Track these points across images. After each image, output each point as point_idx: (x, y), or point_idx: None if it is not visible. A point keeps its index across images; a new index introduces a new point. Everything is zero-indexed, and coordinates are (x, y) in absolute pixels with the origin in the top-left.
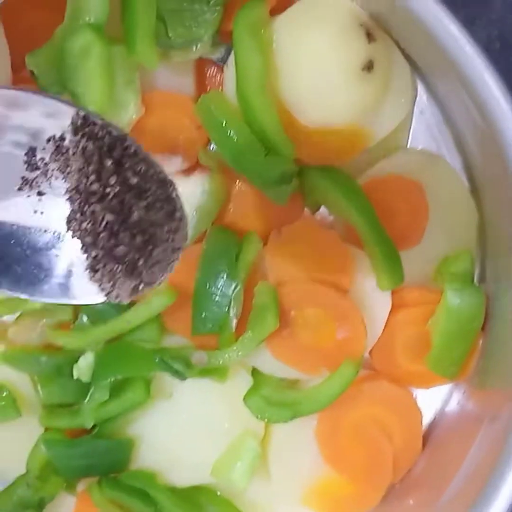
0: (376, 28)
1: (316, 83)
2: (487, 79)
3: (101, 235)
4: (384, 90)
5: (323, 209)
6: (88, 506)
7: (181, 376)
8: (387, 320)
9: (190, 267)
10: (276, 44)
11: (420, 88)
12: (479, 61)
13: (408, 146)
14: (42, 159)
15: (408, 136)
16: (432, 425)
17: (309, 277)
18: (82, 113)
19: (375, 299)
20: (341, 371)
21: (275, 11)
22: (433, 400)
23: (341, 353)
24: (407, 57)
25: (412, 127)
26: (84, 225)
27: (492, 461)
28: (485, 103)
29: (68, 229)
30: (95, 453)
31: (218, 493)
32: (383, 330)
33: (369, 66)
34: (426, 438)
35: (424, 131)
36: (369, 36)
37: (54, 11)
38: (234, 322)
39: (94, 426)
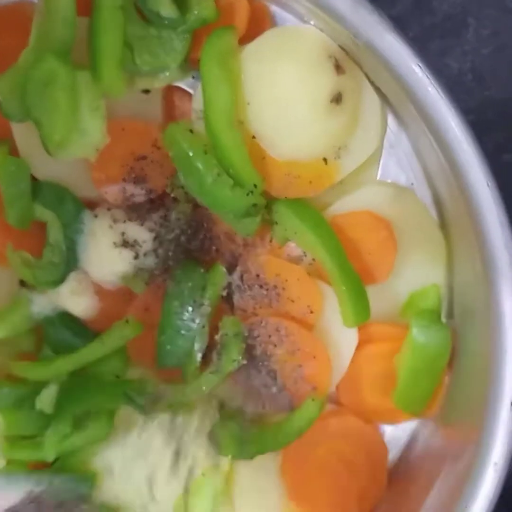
0: (346, 59)
1: (284, 116)
2: (450, 120)
3: None
4: (353, 123)
5: (291, 243)
6: None
7: (144, 410)
8: (354, 356)
9: (156, 298)
10: (244, 75)
11: (391, 121)
12: (442, 103)
13: (378, 179)
14: None
15: (378, 170)
16: (398, 462)
17: (275, 312)
18: None
19: (341, 335)
20: (306, 408)
21: (244, 40)
22: (400, 436)
23: (306, 389)
24: (377, 90)
25: (382, 160)
26: None
27: (452, 501)
28: (448, 143)
29: None
30: (58, 488)
31: None
32: (350, 365)
33: (337, 99)
34: (391, 475)
35: (394, 165)
36: (338, 68)
37: (19, 35)
38: (199, 355)
39: (56, 459)
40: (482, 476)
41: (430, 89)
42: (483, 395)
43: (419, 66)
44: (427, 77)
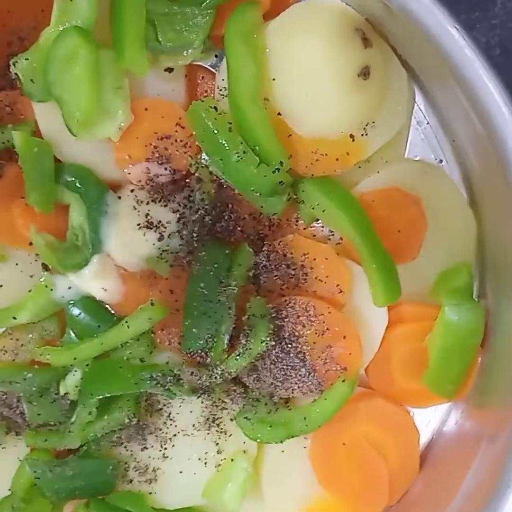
0: (372, 32)
1: (310, 91)
2: (488, 84)
3: None
4: (380, 98)
5: (318, 222)
6: None
7: (170, 393)
8: (384, 337)
9: (181, 281)
10: (269, 50)
11: (418, 98)
12: (480, 66)
13: (406, 156)
14: None
15: (406, 147)
16: (430, 445)
17: (302, 292)
18: None
19: (371, 315)
20: (336, 389)
21: (269, 15)
22: (431, 419)
23: (336, 370)
24: (404, 64)
25: (409, 137)
26: None
27: (491, 482)
28: (486, 109)
29: None
30: (82, 474)
31: None
32: (380, 346)
33: (365, 73)
34: (423, 458)
35: (422, 142)
36: (365, 41)
37: (40, 14)
38: (226, 338)
39: (81, 446)
40: None
41: (467, 51)
42: None
43: (456, 27)
44: (464, 39)
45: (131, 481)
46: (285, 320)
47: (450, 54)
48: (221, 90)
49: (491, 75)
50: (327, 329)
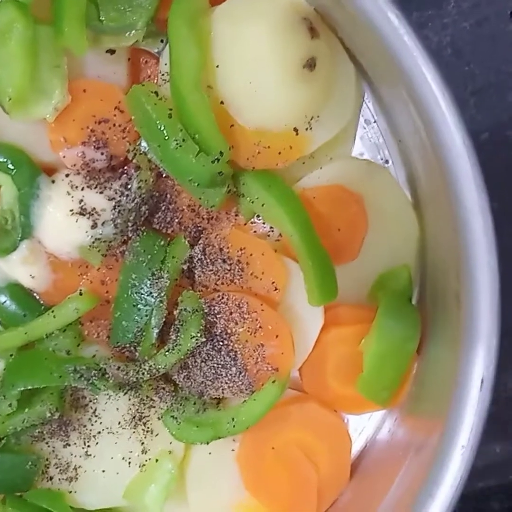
0: (320, 23)
1: (254, 80)
2: (432, 85)
3: None
4: (326, 92)
5: (259, 218)
6: None
7: (95, 388)
8: (319, 339)
9: (113, 272)
10: (214, 36)
11: (367, 95)
12: (426, 66)
13: (352, 155)
14: None
15: (352, 145)
16: (362, 453)
17: (237, 288)
18: None
19: (306, 315)
20: (266, 390)
21: (216, 0)
22: (365, 426)
23: (267, 370)
24: (353, 59)
25: (357, 135)
26: None
27: (413, 495)
28: (428, 112)
29: None
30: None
31: None
32: (314, 349)
33: (310, 64)
34: (354, 467)
35: (369, 141)
36: (312, 32)
37: None
38: (155, 332)
39: None
40: (449, 461)
41: (406, 38)
42: (452, 380)
43: (395, 14)
44: (404, 27)
45: (51, 478)
46: (218, 316)
47: (396, 54)
48: (163, 75)
49: (438, 80)
50: (260, 327)
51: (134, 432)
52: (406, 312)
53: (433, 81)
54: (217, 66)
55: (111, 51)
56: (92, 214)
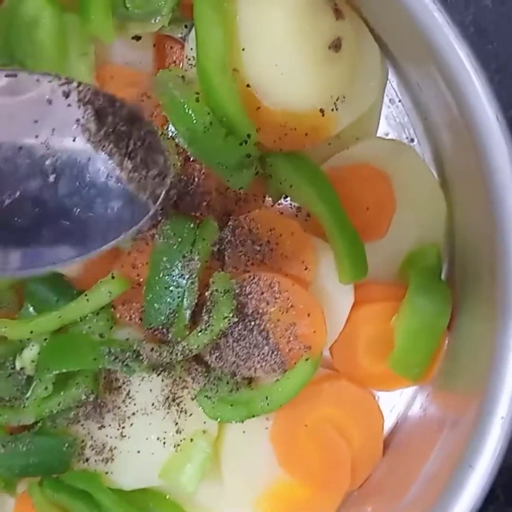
0: (344, 4)
1: (280, 62)
2: (465, 62)
3: None
4: (351, 72)
5: (286, 199)
6: (28, 508)
7: (129, 370)
8: (349, 316)
9: (144, 255)
10: (240, 19)
11: (391, 75)
12: (458, 43)
13: (377, 134)
14: None
15: (377, 124)
16: (394, 430)
17: (268, 268)
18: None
19: (337, 293)
20: (299, 369)
21: None
22: (396, 403)
23: (300, 349)
24: (377, 39)
25: (382, 115)
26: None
27: (451, 467)
28: (461, 88)
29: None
30: (36, 452)
31: (167, 496)
32: (345, 327)
33: (336, 45)
34: (387, 443)
35: (394, 120)
36: (337, 12)
37: None
38: (187, 314)
39: (36, 423)
40: (488, 431)
41: (437, 15)
42: (487, 353)
43: (434, 3)
44: (434, 3)
45: (87, 460)
46: (249, 296)
47: (426, 31)
48: (189, 59)
49: (469, 55)
50: (291, 306)
51: (168, 412)
52: (436, 289)
53: (465, 58)
54: (243, 49)
55: (137, 38)
56: None
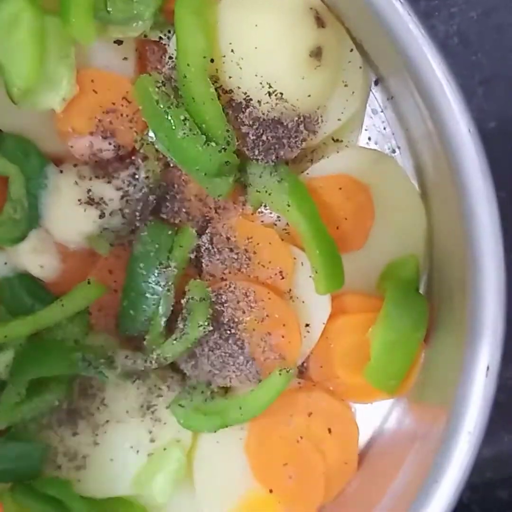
0: (327, 13)
1: (260, 70)
2: (438, 74)
3: None
4: (333, 81)
5: (266, 208)
6: None
7: (103, 376)
8: (326, 327)
9: (121, 261)
10: (221, 25)
11: (375, 88)
12: (431, 54)
13: (359, 144)
14: None
15: (359, 134)
16: (369, 442)
17: (244, 277)
18: None
19: (313, 302)
20: (273, 379)
21: None
22: (373, 416)
23: (274, 359)
24: (360, 48)
25: (364, 125)
26: None
27: (420, 480)
28: (434, 100)
29: None
30: (8, 457)
31: (139, 506)
32: (321, 337)
33: (317, 53)
34: (362, 456)
35: (376, 130)
36: (319, 21)
37: None
38: (163, 321)
39: (8, 428)
40: (455, 446)
41: (411, 27)
42: (458, 368)
43: (400, 2)
44: (409, 14)
45: (59, 467)
46: (225, 305)
47: (403, 44)
48: (170, 65)
49: (445, 70)
50: (267, 315)
51: (142, 421)
52: (413, 301)
53: (439, 69)
54: (224, 56)
55: (119, 42)
56: (100, 204)
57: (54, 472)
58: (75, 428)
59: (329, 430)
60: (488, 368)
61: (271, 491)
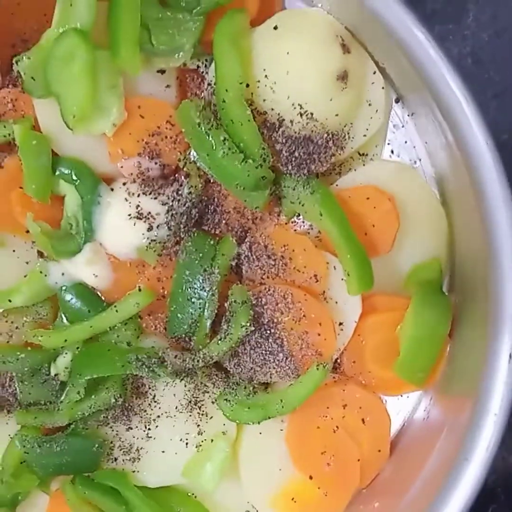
0: (351, 40)
1: (292, 93)
2: (457, 94)
3: None
4: (358, 101)
5: (299, 217)
6: (61, 505)
7: (155, 375)
8: (358, 326)
9: (168, 269)
10: (255, 54)
11: (396, 105)
12: (450, 76)
13: (383, 157)
14: None
15: (383, 148)
16: (401, 432)
17: (282, 281)
18: None
19: (346, 303)
20: (311, 373)
21: (255, 22)
22: (403, 407)
23: (311, 355)
24: (382, 70)
25: (387, 139)
26: None
27: (450, 462)
28: (454, 117)
29: None
30: (69, 451)
31: (189, 493)
32: (354, 335)
33: (343, 77)
34: (394, 444)
35: (398, 144)
36: (344, 47)
37: (42, 17)
38: (208, 323)
39: (69, 425)
40: (482, 427)
41: (431, 52)
42: (481, 358)
43: (421, 31)
44: (429, 41)
45: (115, 459)
46: (265, 307)
47: (416, 55)
48: (209, 90)
49: (462, 88)
50: (304, 316)
51: (190, 415)
52: (438, 300)
53: (457, 88)
54: (258, 81)
55: (162, 71)
56: (148, 218)
57: (111, 465)
58: (129, 423)
59: (363, 421)
60: (510, 355)
61: (310, 477)
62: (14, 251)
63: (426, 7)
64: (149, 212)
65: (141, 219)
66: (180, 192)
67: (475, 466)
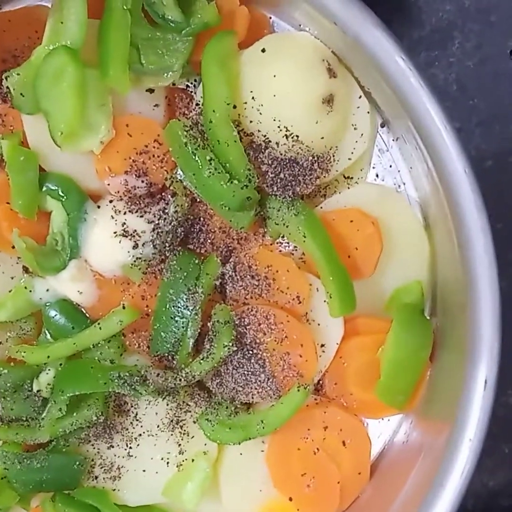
0: (338, 64)
1: (278, 115)
2: (436, 121)
3: None
4: (344, 125)
5: (284, 238)
6: None
7: (137, 393)
8: (340, 348)
9: (152, 288)
10: (242, 76)
11: (381, 129)
12: (430, 105)
13: (367, 180)
14: None
15: (368, 171)
16: (381, 455)
17: (266, 301)
18: None
19: (328, 325)
20: (291, 395)
21: (244, 44)
22: (384, 430)
23: (293, 377)
24: (367, 95)
25: (372, 163)
26: None
27: (427, 486)
28: (433, 144)
29: None
30: (50, 468)
31: None
32: (335, 357)
33: (329, 100)
34: (374, 467)
35: (383, 168)
36: (330, 72)
37: (34, 34)
38: (191, 342)
39: (50, 441)
40: (458, 453)
41: (412, 79)
42: (459, 383)
43: (402, 58)
44: (410, 69)
45: (96, 477)
46: (247, 327)
47: (396, 81)
48: (197, 111)
49: (437, 107)
50: (286, 337)
51: (171, 434)
52: (419, 323)
53: (436, 115)
54: (245, 103)
55: (150, 90)
56: (134, 236)
57: (91, 482)
58: (111, 441)
59: (344, 443)
60: (486, 381)
61: (290, 499)
62: None
63: (413, 34)
64: (135, 230)
65: (126, 236)
66: (166, 211)
67: (450, 492)
